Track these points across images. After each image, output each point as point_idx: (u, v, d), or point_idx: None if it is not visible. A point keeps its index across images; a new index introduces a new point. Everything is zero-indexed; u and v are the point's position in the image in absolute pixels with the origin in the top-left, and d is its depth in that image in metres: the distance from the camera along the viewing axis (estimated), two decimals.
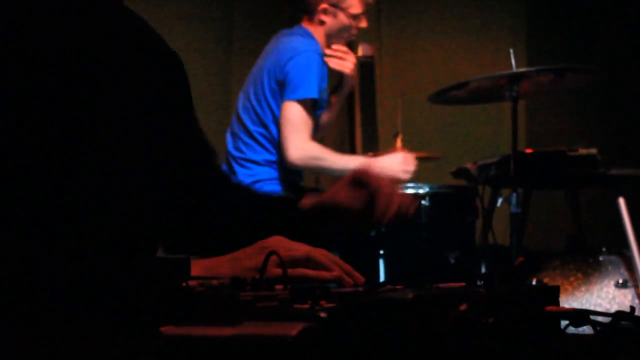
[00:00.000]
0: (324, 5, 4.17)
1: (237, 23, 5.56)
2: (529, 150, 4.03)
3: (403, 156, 4.08)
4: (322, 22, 4.20)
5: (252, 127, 4.08)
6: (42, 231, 1.27)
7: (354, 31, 4.24)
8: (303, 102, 3.98)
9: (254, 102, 4.10)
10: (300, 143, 3.95)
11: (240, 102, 4.19)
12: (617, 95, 5.64)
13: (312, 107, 4.02)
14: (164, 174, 1.53)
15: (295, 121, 3.96)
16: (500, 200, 3.95)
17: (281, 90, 4.01)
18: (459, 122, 5.77)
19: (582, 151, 3.90)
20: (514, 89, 3.70)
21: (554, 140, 5.58)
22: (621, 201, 3.92)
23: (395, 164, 4.03)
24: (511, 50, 3.76)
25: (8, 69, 1.31)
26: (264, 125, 4.06)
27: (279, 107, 4.02)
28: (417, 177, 4.39)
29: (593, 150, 3.90)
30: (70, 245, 1.28)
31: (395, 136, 4.65)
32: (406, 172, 4.01)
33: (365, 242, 3.74)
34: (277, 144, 4.03)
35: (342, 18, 4.19)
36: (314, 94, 3.98)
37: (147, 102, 1.48)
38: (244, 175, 4.05)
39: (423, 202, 3.77)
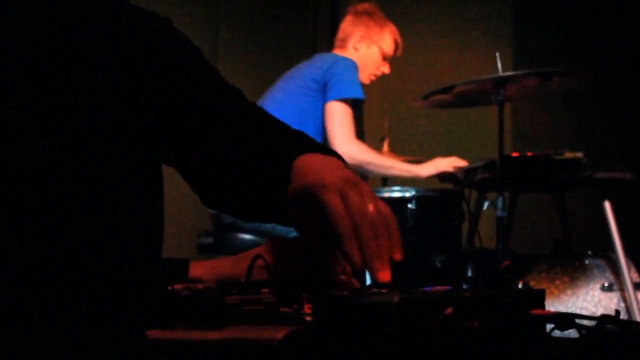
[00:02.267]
0: (360, 33, 4.42)
1: (222, 34, 5.57)
2: (515, 154, 4.03)
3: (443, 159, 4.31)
4: (355, 49, 4.42)
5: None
6: (31, 231, 1.26)
7: (378, 72, 4.41)
8: (349, 102, 4.14)
9: (281, 99, 4.21)
10: (348, 141, 4.10)
11: (263, 102, 4.29)
12: (603, 99, 5.67)
13: (355, 107, 4.19)
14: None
15: (342, 120, 4.13)
16: (486, 204, 3.95)
17: (324, 90, 4.13)
18: (445, 126, 5.79)
19: (568, 155, 3.91)
20: (500, 92, 3.71)
21: (540, 144, 5.60)
22: (607, 204, 3.94)
23: (443, 161, 4.26)
24: (497, 54, 3.77)
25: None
26: (285, 120, 4.15)
27: (310, 103, 4.18)
28: (403, 181, 4.40)
29: (579, 154, 3.90)
30: (59, 247, 1.27)
31: (383, 140, 4.67)
32: (454, 165, 4.15)
33: None
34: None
35: (374, 51, 4.41)
36: (360, 95, 4.15)
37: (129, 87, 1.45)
38: None
39: (409, 205, 3.78)
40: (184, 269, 1.40)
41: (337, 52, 4.43)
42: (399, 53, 4.50)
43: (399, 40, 4.47)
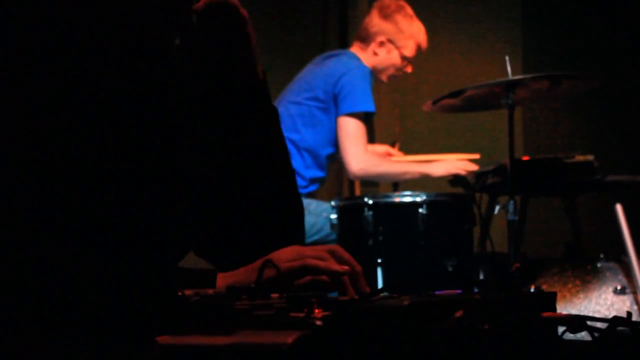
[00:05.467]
0: (381, 38, 4.30)
1: None
2: (525, 158, 4.03)
3: (456, 159, 4.27)
4: (375, 53, 4.35)
5: (283, 132, 4.17)
6: (42, 236, 1.27)
7: (398, 73, 4.37)
8: (361, 115, 4.13)
9: (292, 110, 4.21)
10: (361, 155, 4.12)
11: (278, 108, 4.28)
12: (613, 101, 5.65)
13: (367, 119, 4.19)
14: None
15: (354, 134, 4.13)
16: (497, 208, 3.95)
17: (335, 102, 4.11)
18: (455, 130, 5.78)
19: (579, 158, 3.90)
20: (510, 96, 3.71)
21: (551, 147, 5.60)
22: (618, 207, 3.92)
23: (456, 163, 4.21)
24: (507, 58, 3.76)
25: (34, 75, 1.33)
26: (297, 131, 4.16)
27: (322, 115, 4.17)
28: (414, 185, 4.39)
29: (590, 157, 3.90)
30: (69, 253, 1.28)
31: (393, 145, 4.67)
32: (465, 168, 4.12)
33: (363, 251, 3.74)
34: (307, 151, 4.19)
35: (395, 56, 4.34)
36: (371, 108, 4.14)
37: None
38: None
39: (420, 210, 3.77)
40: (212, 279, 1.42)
41: (357, 51, 4.36)
42: (423, 51, 4.44)
43: (423, 43, 4.37)
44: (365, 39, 4.37)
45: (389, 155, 4.55)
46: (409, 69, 4.42)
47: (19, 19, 1.35)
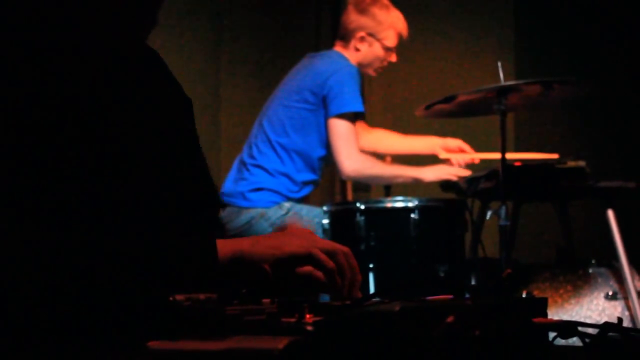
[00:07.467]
0: (361, 34, 4.29)
1: (225, 35, 5.57)
2: (517, 163, 4.03)
3: (447, 166, 4.26)
4: (357, 49, 4.33)
5: (273, 137, 4.19)
6: (32, 238, 1.27)
7: (384, 63, 4.36)
8: (350, 116, 4.12)
9: (281, 113, 4.19)
10: (353, 156, 4.12)
11: (265, 114, 4.29)
12: (605, 107, 5.66)
13: (356, 119, 4.17)
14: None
15: (346, 135, 4.11)
16: (489, 213, 3.95)
17: (324, 103, 4.11)
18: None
19: (571, 164, 3.91)
20: (502, 101, 3.71)
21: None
22: (610, 213, 3.93)
23: (448, 169, 4.21)
24: (499, 64, 3.77)
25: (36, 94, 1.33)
26: (287, 134, 4.15)
27: (311, 117, 4.16)
28: (405, 191, 4.39)
29: (582, 163, 3.90)
30: (59, 257, 1.28)
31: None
32: (457, 174, 4.11)
33: (355, 256, 3.74)
34: (297, 154, 4.18)
35: (377, 48, 4.33)
36: (360, 108, 4.13)
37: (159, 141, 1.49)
38: (248, 181, 4.13)
39: (412, 215, 3.78)
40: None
41: (339, 49, 4.35)
42: (405, 38, 4.42)
43: (404, 31, 4.34)
44: (345, 37, 4.35)
45: (462, 151, 4.53)
46: (394, 58, 4.40)
47: None
